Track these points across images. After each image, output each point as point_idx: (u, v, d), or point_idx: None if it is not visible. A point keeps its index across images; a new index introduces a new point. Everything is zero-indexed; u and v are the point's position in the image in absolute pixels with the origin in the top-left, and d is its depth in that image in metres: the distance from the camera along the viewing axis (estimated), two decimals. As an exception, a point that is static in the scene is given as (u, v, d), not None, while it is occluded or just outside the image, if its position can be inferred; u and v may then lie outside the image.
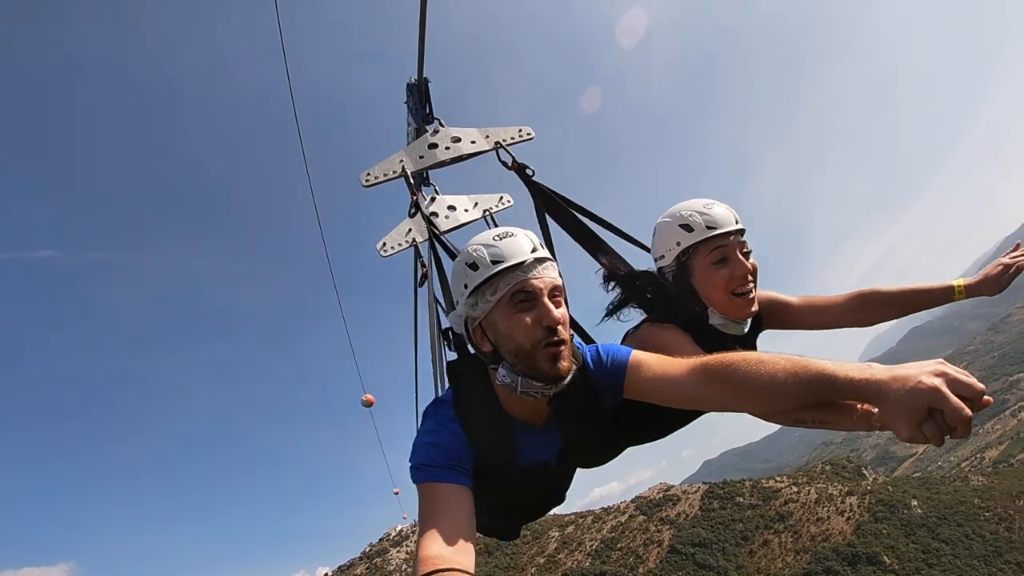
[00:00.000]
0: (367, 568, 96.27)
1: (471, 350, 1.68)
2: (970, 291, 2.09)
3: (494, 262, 1.54)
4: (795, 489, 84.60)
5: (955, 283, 2.09)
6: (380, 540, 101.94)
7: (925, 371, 1.14)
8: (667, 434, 2.28)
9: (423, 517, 1.41)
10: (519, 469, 1.70)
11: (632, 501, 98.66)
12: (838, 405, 1.43)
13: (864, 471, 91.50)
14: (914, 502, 74.41)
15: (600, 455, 2.19)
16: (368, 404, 7.18)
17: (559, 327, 1.54)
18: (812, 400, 1.33)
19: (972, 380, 1.11)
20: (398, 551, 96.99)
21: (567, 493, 2.10)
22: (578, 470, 2.14)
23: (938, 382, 1.10)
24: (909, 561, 66.52)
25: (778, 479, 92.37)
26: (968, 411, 1.08)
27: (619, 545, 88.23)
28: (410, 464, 1.56)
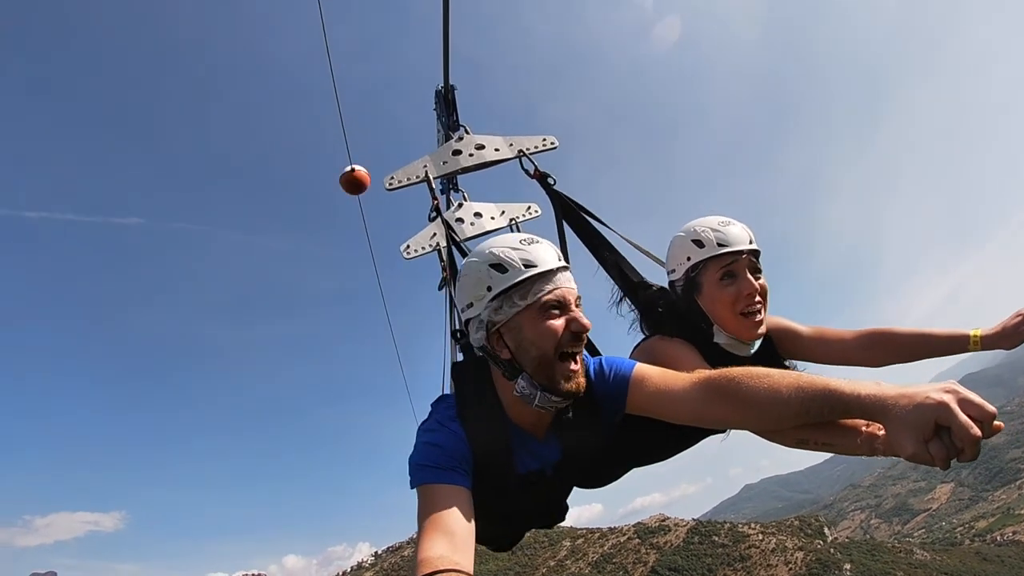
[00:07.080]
0: (414, 552, 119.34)
1: (479, 353, 1.67)
2: (986, 342, 1.95)
3: (527, 266, 1.53)
4: (761, 537, 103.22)
5: (971, 332, 1.96)
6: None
7: (935, 388, 1.12)
8: (672, 455, 2.27)
9: (422, 518, 1.40)
10: (514, 476, 1.70)
11: (633, 526, 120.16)
12: (842, 426, 1.42)
13: (826, 531, 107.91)
14: (847, 566, 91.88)
15: (600, 473, 2.24)
16: (358, 185, 3.34)
17: (585, 335, 1.56)
18: (817, 417, 1.30)
19: (983, 402, 1.08)
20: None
21: (571, 511, 2.11)
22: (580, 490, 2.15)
23: (947, 398, 1.09)
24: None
25: (752, 526, 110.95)
26: (977, 431, 1.05)
27: (614, 560, 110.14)
28: (409, 463, 1.55)
